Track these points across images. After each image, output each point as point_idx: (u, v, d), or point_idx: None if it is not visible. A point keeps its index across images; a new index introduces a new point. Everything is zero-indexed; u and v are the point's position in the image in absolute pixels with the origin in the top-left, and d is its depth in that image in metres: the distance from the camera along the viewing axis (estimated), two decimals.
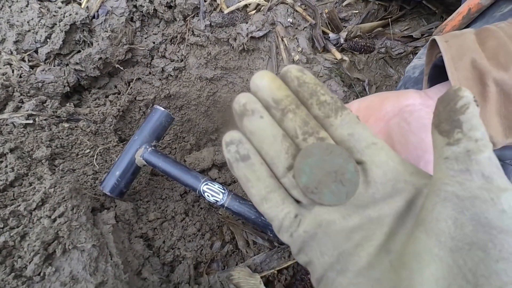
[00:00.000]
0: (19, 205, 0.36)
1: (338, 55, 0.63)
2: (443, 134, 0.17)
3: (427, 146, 0.26)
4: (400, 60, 0.73)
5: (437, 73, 0.34)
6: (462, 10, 0.45)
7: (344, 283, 0.17)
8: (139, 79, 0.67)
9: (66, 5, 0.62)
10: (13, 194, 0.42)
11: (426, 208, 0.16)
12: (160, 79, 0.68)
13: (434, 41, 0.32)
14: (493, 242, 0.14)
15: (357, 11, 0.73)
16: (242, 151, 0.19)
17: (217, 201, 0.42)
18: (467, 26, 0.46)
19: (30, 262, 0.31)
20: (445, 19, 0.75)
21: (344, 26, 0.70)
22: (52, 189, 0.37)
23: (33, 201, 0.36)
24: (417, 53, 0.71)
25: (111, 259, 0.34)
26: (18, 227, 0.34)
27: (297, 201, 0.20)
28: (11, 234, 0.33)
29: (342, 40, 0.66)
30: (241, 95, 0.20)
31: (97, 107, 0.61)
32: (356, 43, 0.67)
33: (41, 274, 0.31)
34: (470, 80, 0.26)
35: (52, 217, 0.35)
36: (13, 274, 0.30)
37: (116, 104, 0.62)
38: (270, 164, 0.20)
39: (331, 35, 0.67)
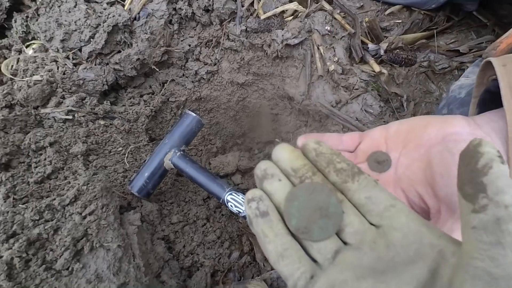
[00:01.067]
0: (54, 199, 0.38)
1: (377, 68, 0.60)
2: (467, 199, 0.15)
3: None
4: (443, 75, 0.68)
5: (489, 98, 0.31)
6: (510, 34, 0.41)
7: None
8: (173, 80, 0.69)
9: (111, 6, 0.65)
10: (49, 186, 0.44)
11: (454, 286, 0.15)
12: (192, 82, 0.70)
13: (489, 62, 0.29)
14: None
15: (400, 21, 0.69)
16: (262, 207, 0.20)
17: (239, 212, 0.41)
18: None
19: (60, 257, 0.33)
20: (498, 33, 0.69)
21: (385, 37, 0.67)
22: (85, 187, 0.39)
23: (67, 197, 0.37)
24: (464, 69, 0.66)
25: (134, 261, 0.35)
26: (52, 220, 0.36)
27: (314, 260, 0.20)
28: (46, 227, 0.35)
29: (382, 52, 0.62)
30: (262, 162, 0.21)
31: (132, 106, 0.63)
32: (397, 55, 0.63)
33: (69, 269, 0.32)
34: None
35: (83, 214, 0.36)
36: (44, 266, 0.32)
37: (149, 104, 0.64)
38: (288, 222, 0.20)
39: (370, 46, 0.64)
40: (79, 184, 0.39)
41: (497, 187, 0.14)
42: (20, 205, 0.39)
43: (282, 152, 0.21)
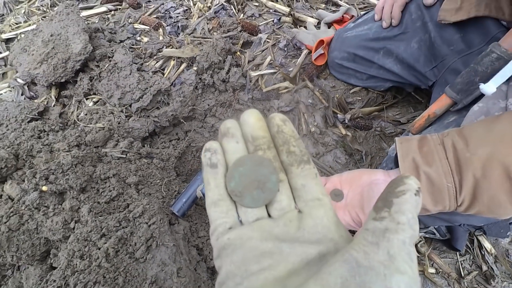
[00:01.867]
0: (128, 214, 0.56)
1: (343, 131, 0.85)
2: (374, 210, 0.18)
3: None
4: (391, 137, 0.95)
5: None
6: (425, 114, 0.67)
7: None
8: (194, 130, 0.91)
9: (154, 74, 0.89)
10: (114, 205, 0.62)
11: (327, 263, 0.17)
12: (209, 132, 0.92)
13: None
14: None
15: (360, 98, 0.97)
16: (213, 159, 0.22)
17: None
18: (429, 125, 0.68)
19: (137, 250, 0.50)
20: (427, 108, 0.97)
21: (350, 108, 0.94)
22: (148, 205, 0.57)
23: (137, 212, 0.55)
24: (404, 134, 0.93)
25: (182, 256, 0.52)
26: (127, 227, 0.54)
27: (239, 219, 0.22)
28: (125, 231, 0.52)
29: (347, 120, 0.89)
30: (229, 120, 0.23)
31: (164, 149, 0.83)
32: (358, 123, 0.90)
33: (144, 257, 0.49)
34: (411, 169, 0.45)
35: (149, 223, 0.54)
36: (128, 255, 0.49)
37: (177, 147, 0.84)
38: None
39: (339, 115, 0.90)
40: (143, 204, 0.58)
41: (401, 208, 0.17)
42: (99, 217, 0.56)
43: (249, 117, 0.23)
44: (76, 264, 0.47)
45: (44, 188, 0.57)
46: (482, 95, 0.60)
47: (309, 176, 0.22)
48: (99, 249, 0.49)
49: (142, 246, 0.50)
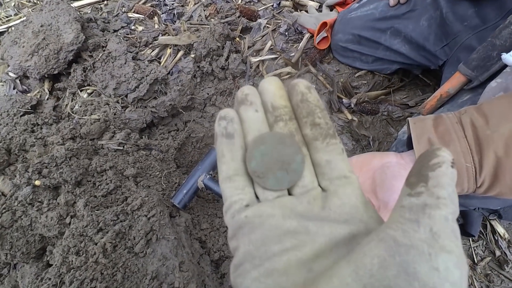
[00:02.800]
0: (125, 207, 0.53)
1: (349, 116, 0.81)
2: (408, 186, 0.16)
3: (396, 189, 0.41)
4: (399, 122, 0.91)
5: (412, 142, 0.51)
6: (437, 94, 0.64)
7: (253, 276, 0.16)
8: (193, 120, 0.87)
9: (150, 63, 0.85)
10: (111, 199, 0.59)
11: (361, 243, 0.16)
12: (209, 122, 0.88)
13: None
14: None
15: (366, 82, 0.93)
16: (230, 129, 0.20)
17: None
18: (441, 106, 0.64)
19: (137, 244, 0.47)
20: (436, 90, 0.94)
21: (355, 93, 0.90)
22: (146, 198, 0.54)
23: (135, 204, 0.53)
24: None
25: (184, 249, 0.50)
26: (125, 221, 0.51)
27: (257, 196, 0.20)
28: (123, 225, 0.49)
29: (352, 105, 0.85)
30: (247, 86, 0.21)
31: (162, 140, 0.80)
32: (364, 107, 0.86)
33: (144, 252, 0.47)
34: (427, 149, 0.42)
35: (148, 216, 0.51)
36: (126, 250, 0.46)
37: (176, 138, 0.81)
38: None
39: (344, 100, 0.86)
40: (141, 196, 0.55)
41: (439, 181, 0.15)
42: (96, 211, 0.53)
43: (270, 85, 0.20)
44: (72, 261, 0.44)
45: (37, 182, 0.54)
46: (499, 72, 0.56)
47: (335, 152, 0.20)
48: (96, 244, 0.46)
49: (142, 240, 0.47)
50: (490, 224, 0.73)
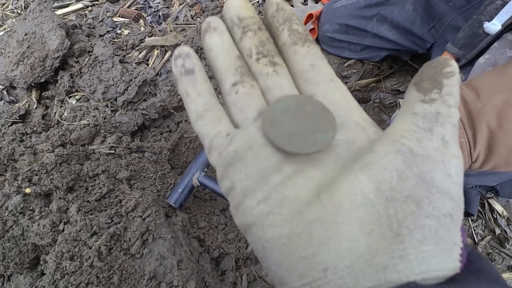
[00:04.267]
0: (119, 209, 0.52)
1: None
2: (420, 91, 0.16)
3: None
4: (391, 108, 0.91)
5: None
6: None
7: (265, 210, 0.15)
8: (186, 120, 0.86)
9: (138, 65, 0.84)
10: (105, 203, 0.58)
11: (377, 153, 0.15)
12: None
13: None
14: (429, 199, 0.14)
15: (355, 71, 0.93)
16: (187, 65, 0.18)
17: None
18: None
19: (133, 245, 0.46)
20: None
21: (345, 82, 0.90)
22: (141, 198, 0.53)
23: (130, 206, 0.52)
24: None
25: (182, 248, 0.49)
26: (120, 223, 0.50)
27: (236, 126, 0.18)
28: (117, 227, 0.48)
29: None
30: (209, 17, 0.19)
31: (155, 142, 0.79)
32: (355, 96, 0.86)
33: (140, 253, 0.45)
34: None
35: (143, 217, 0.50)
36: (122, 252, 0.45)
37: (169, 140, 0.80)
38: (219, 82, 0.19)
39: None
40: (135, 197, 0.54)
41: (451, 90, 0.15)
42: (89, 215, 0.52)
43: (234, 0, 0.19)
44: (66, 266, 0.43)
45: (28, 190, 0.53)
46: (486, 48, 0.56)
47: (317, 55, 0.19)
48: (90, 248, 0.45)
49: (137, 241, 0.46)
50: (488, 203, 0.73)
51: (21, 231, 0.51)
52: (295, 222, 0.14)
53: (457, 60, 0.60)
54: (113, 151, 0.69)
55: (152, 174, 0.69)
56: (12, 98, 0.85)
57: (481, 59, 0.53)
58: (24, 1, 1.13)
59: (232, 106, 0.18)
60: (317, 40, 0.96)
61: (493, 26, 0.49)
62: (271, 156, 0.16)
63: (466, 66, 0.59)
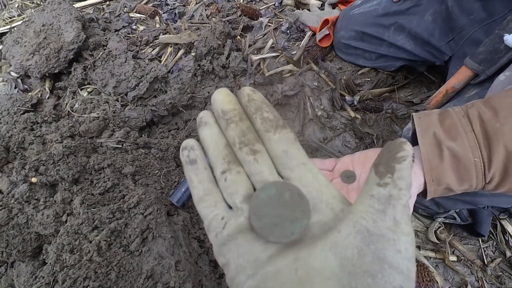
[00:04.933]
0: (122, 205, 0.52)
1: (352, 114, 0.79)
2: (377, 174, 0.19)
3: None
4: (404, 119, 0.89)
5: (416, 138, 0.49)
6: (442, 90, 0.62)
7: (253, 285, 0.18)
8: (194, 119, 0.86)
9: (151, 61, 0.85)
10: (109, 197, 0.58)
11: (341, 233, 0.18)
12: None
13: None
14: (382, 274, 0.16)
15: (369, 79, 0.92)
16: (191, 156, 0.22)
17: None
18: (447, 102, 0.62)
19: (132, 242, 0.46)
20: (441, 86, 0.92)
21: (358, 90, 0.88)
22: (144, 195, 0.53)
23: (132, 202, 0.51)
24: None
25: (181, 248, 0.48)
26: (121, 218, 0.50)
27: (230, 207, 0.21)
28: (119, 223, 0.48)
29: (355, 102, 0.83)
30: (202, 111, 0.23)
31: (162, 138, 0.79)
32: (367, 105, 0.84)
33: (139, 250, 0.45)
34: (432, 145, 0.40)
35: (144, 214, 0.50)
36: (122, 248, 0.45)
37: (176, 137, 0.80)
38: (213, 168, 0.22)
39: (347, 97, 0.84)
40: (138, 194, 0.54)
41: (402, 174, 0.18)
42: (92, 209, 0.52)
43: (218, 95, 0.22)
44: (66, 259, 0.43)
45: (34, 179, 0.53)
46: (507, 65, 0.54)
47: (289, 141, 0.21)
48: (91, 242, 0.45)
49: (137, 238, 0.46)
50: (500, 224, 0.71)
51: (25, 219, 0.51)
52: None
53: (476, 76, 0.58)
54: (120, 146, 0.69)
55: (157, 171, 0.69)
56: (26, 86, 0.86)
57: (501, 76, 0.51)
58: None
59: (223, 191, 0.21)
60: (332, 46, 0.94)
61: None
62: (258, 239, 0.19)
63: (485, 83, 0.57)
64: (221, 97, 0.22)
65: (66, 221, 0.51)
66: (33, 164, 0.56)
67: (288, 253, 0.18)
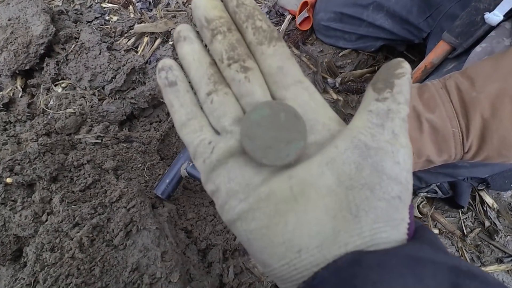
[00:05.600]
0: (104, 199, 0.50)
1: (335, 96, 0.79)
2: (375, 90, 0.18)
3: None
4: None
5: None
6: (421, 66, 0.62)
7: (246, 208, 0.17)
8: None
9: (127, 52, 0.82)
10: (90, 193, 0.57)
11: (338, 149, 0.17)
12: None
13: None
14: (380, 185, 0.16)
15: (350, 61, 0.91)
16: (170, 77, 0.19)
17: None
18: (426, 78, 0.63)
19: (116, 236, 0.45)
20: None
21: (340, 72, 0.88)
22: (126, 189, 0.52)
23: (114, 196, 0.50)
24: None
25: (167, 239, 0.48)
26: (103, 213, 0.49)
27: (217, 132, 0.19)
28: (101, 218, 0.47)
29: (337, 84, 0.83)
30: (180, 25, 0.20)
31: (144, 132, 0.77)
32: (349, 86, 0.84)
33: (124, 244, 0.44)
34: (412, 118, 0.40)
35: (127, 207, 0.49)
36: (105, 243, 0.44)
37: (158, 130, 0.78)
38: (196, 91, 0.20)
39: (329, 80, 0.84)
40: (120, 187, 0.52)
41: (401, 89, 0.17)
42: (72, 206, 0.51)
43: (200, 0, 0.19)
44: (46, 258, 0.42)
45: (9, 180, 0.51)
46: (483, 37, 0.55)
47: (284, 56, 0.19)
48: (72, 239, 0.44)
49: (121, 232, 0.45)
50: (479, 195, 0.73)
51: (2, 222, 0.50)
52: (272, 214, 0.17)
53: (454, 49, 0.59)
54: (99, 141, 0.67)
55: (140, 165, 0.68)
56: None
57: (478, 48, 0.52)
58: None
59: (209, 114, 0.19)
60: (312, 29, 0.93)
61: (495, 16, 0.48)
62: (250, 162, 0.18)
63: (462, 56, 0.58)
64: (204, 2, 0.19)
65: (46, 221, 0.49)
66: (7, 164, 0.53)
67: (283, 174, 0.17)
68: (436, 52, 0.60)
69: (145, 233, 0.46)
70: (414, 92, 0.42)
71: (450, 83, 0.40)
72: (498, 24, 0.52)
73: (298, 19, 0.90)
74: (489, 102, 0.37)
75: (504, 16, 0.49)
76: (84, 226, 0.45)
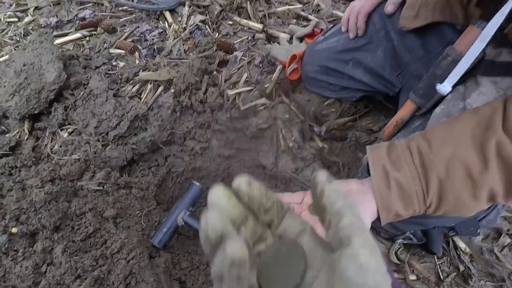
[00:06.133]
0: (105, 251, 0.54)
1: (320, 144, 0.87)
2: (319, 217, 0.22)
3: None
4: (366, 146, 0.97)
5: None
6: (393, 121, 0.69)
7: None
8: (174, 155, 0.90)
9: (131, 99, 0.88)
10: (90, 243, 0.60)
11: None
12: (189, 155, 0.91)
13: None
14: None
15: (334, 109, 0.99)
16: (242, 274, 0.20)
17: None
18: (398, 131, 0.70)
19: None
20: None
21: (325, 121, 0.96)
22: (126, 240, 0.56)
23: (115, 247, 0.54)
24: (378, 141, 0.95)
25: None
26: (104, 265, 0.52)
27: None
28: (102, 270, 0.51)
29: (322, 132, 0.90)
30: (209, 216, 0.21)
31: (143, 177, 0.82)
32: (333, 134, 0.91)
33: None
34: (382, 177, 0.44)
35: (127, 259, 0.53)
36: None
37: (156, 175, 0.83)
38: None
39: (315, 128, 0.92)
40: (121, 238, 0.56)
41: (332, 203, 0.21)
42: (74, 257, 0.55)
43: (221, 201, 0.23)
44: None
45: (14, 230, 0.55)
46: (443, 98, 0.62)
47: (290, 219, 0.24)
48: None
49: (121, 285, 0.49)
50: (452, 240, 0.78)
51: (3, 272, 0.52)
52: None
53: (419, 108, 0.66)
54: (101, 188, 0.71)
55: (138, 212, 0.72)
56: (3, 128, 0.87)
57: (437, 110, 0.58)
58: (24, 29, 1.16)
59: None
60: (300, 79, 1.02)
61: (444, 88, 0.55)
62: None
63: (426, 114, 0.64)
64: (225, 204, 0.23)
65: (45, 272, 0.52)
66: (14, 213, 0.57)
67: None
68: (405, 110, 0.67)
69: (143, 286, 0.50)
70: (383, 151, 0.47)
71: (413, 145, 0.46)
72: (454, 87, 0.60)
73: (288, 70, 0.99)
74: (443, 165, 0.43)
75: (452, 87, 0.56)
76: (85, 279, 0.49)
